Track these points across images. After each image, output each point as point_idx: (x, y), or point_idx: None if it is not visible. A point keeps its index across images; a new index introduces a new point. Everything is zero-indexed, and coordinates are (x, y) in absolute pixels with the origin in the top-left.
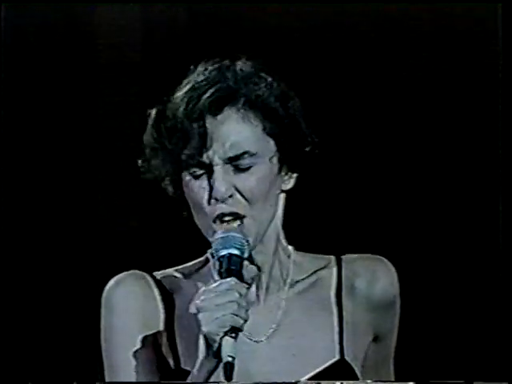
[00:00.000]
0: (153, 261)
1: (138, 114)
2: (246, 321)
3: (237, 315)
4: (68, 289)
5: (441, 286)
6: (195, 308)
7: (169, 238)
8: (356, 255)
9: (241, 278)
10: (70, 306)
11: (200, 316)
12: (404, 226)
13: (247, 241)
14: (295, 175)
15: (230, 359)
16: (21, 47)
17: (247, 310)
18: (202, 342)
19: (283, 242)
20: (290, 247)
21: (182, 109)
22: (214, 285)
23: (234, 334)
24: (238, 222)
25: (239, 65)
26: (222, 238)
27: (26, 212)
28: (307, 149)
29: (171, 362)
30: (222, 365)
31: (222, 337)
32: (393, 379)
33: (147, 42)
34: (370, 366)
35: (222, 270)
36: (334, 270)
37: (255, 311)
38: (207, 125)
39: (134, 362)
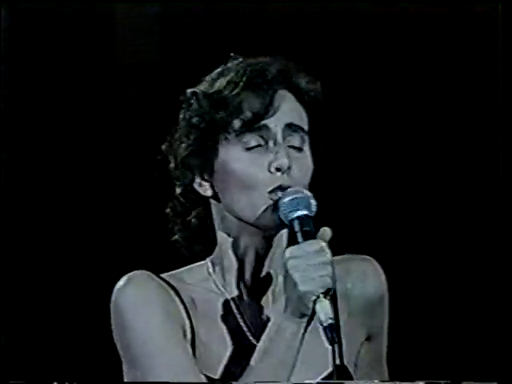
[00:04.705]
0: (158, 262)
1: (152, 114)
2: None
3: (331, 277)
4: (72, 291)
5: (430, 286)
6: (285, 268)
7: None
8: (345, 256)
9: (314, 237)
10: (73, 307)
11: (296, 275)
12: (393, 227)
13: (313, 196)
14: None
15: (331, 321)
16: (42, 44)
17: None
18: (283, 302)
19: None
20: None
21: (241, 79)
22: (303, 244)
23: (328, 296)
24: None
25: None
26: (290, 200)
27: (35, 212)
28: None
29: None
30: (322, 329)
31: (316, 299)
32: (387, 378)
33: (165, 42)
34: (363, 366)
35: (297, 231)
36: None
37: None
38: (273, 94)
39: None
